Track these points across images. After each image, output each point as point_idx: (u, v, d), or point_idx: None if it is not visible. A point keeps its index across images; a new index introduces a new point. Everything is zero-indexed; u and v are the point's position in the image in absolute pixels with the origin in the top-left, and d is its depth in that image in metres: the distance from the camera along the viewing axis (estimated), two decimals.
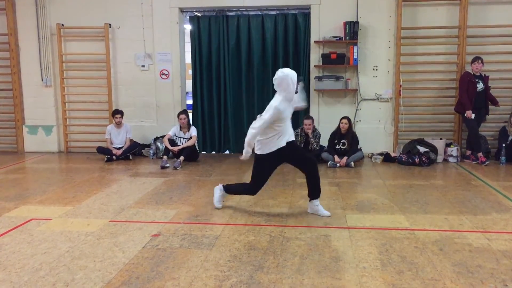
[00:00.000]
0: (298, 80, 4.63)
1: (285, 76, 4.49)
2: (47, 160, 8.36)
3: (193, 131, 8.01)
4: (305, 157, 4.87)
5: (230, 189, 5.14)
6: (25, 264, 3.61)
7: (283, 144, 4.66)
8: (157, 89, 8.78)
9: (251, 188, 4.94)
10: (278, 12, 8.59)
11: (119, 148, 8.21)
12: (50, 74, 8.86)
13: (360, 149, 7.78)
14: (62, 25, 8.69)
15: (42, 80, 8.88)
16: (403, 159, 7.64)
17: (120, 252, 3.83)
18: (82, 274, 3.41)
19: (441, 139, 8.02)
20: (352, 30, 8.03)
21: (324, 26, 8.27)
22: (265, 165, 4.79)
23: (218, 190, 5.15)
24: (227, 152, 9.03)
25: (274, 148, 4.64)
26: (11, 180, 6.62)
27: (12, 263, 3.62)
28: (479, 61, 7.52)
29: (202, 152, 8.88)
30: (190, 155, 7.83)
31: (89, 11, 8.64)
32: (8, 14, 8.65)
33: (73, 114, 9.05)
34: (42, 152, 9.01)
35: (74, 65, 8.90)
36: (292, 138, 4.79)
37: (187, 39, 9.18)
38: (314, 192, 4.87)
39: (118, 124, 8.29)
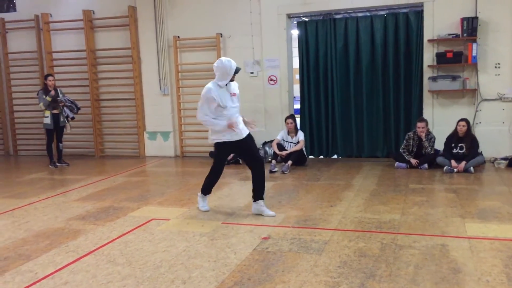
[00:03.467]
0: (236, 71, 4.94)
1: (222, 65, 4.86)
2: (165, 164, 8.94)
3: (301, 135, 8.04)
4: (255, 156, 5.16)
5: (204, 189, 5.40)
6: (147, 261, 3.89)
7: (231, 138, 4.99)
8: (265, 94, 8.94)
9: (211, 172, 5.31)
10: (388, 12, 8.30)
11: None
12: (167, 84, 9.47)
13: (481, 154, 7.23)
14: (178, 37, 9.24)
15: (160, 89, 9.51)
16: None
17: (232, 253, 3.96)
18: (198, 273, 3.58)
19: None
20: (470, 26, 7.51)
21: (438, 23, 7.82)
22: (219, 153, 5.24)
23: (199, 197, 5.45)
24: (335, 156, 8.92)
25: (223, 138, 5.04)
26: (134, 183, 7.19)
27: (136, 260, 3.92)
28: None
29: (310, 156, 8.86)
30: (298, 159, 7.85)
31: (202, 23, 9.08)
32: (131, 30, 9.43)
33: (187, 121, 9.58)
34: (160, 157, 9.63)
35: (188, 74, 9.41)
36: (243, 135, 5.04)
37: (295, 44, 9.26)
38: (258, 192, 5.11)
39: None
